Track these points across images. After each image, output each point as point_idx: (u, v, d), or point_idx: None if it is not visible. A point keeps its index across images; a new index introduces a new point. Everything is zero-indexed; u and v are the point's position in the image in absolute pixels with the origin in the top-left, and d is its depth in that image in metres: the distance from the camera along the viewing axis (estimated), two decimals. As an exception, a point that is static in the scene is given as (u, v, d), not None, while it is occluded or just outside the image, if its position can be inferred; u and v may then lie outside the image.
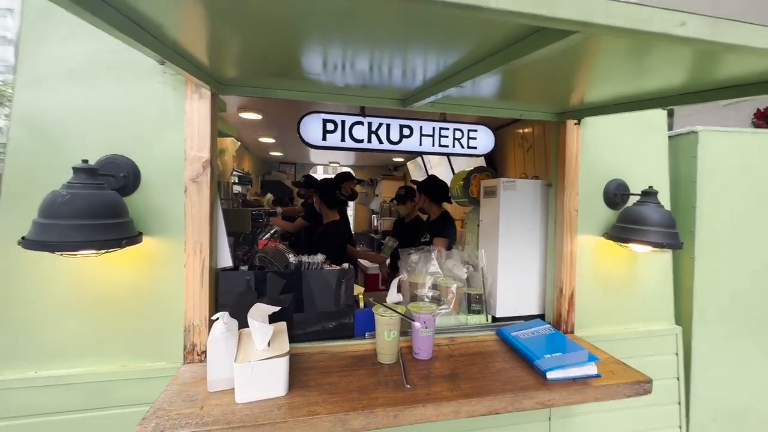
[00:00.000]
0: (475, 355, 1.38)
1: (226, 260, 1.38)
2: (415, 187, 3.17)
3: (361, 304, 1.58)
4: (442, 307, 1.58)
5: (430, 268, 1.68)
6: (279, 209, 4.53)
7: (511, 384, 1.18)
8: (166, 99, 1.25)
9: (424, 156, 5.06)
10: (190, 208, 1.24)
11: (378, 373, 1.22)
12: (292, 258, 1.45)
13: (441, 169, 4.25)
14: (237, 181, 4.40)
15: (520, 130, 3.04)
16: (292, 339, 1.39)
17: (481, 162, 3.22)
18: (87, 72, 1.21)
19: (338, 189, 2.91)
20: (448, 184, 2.75)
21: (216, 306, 1.34)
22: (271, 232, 3.86)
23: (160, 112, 1.25)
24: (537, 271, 1.74)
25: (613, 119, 1.67)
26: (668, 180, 1.80)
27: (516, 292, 1.71)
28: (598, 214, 1.69)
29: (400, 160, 6.12)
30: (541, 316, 1.72)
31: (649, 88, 1.12)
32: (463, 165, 4.14)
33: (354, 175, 4.16)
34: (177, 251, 1.25)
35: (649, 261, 1.76)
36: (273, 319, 1.20)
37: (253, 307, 1.14)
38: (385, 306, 1.31)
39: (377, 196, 6.90)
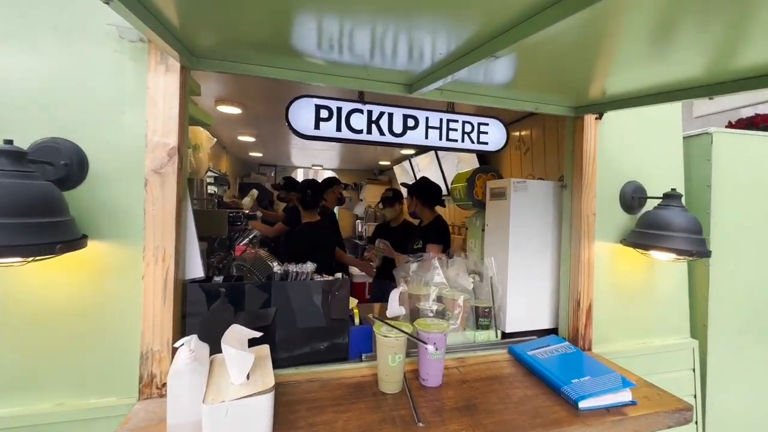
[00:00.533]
0: (491, 379, 1.19)
1: (196, 270, 1.15)
2: (404, 189, 3.00)
3: (356, 320, 1.37)
4: (450, 324, 1.39)
5: (434, 278, 1.49)
6: (258, 213, 4.25)
7: (540, 417, 0.99)
8: (123, 71, 1.02)
9: (411, 159, 4.91)
10: (151, 205, 1.01)
11: (381, 407, 1.02)
12: (276, 267, 1.23)
13: (430, 173, 4.10)
14: (213, 181, 4.11)
15: (517, 133, 2.92)
16: (276, 363, 1.16)
17: (474, 164, 3.08)
18: (23, 32, 0.96)
19: (321, 192, 2.69)
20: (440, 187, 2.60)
21: (183, 326, 1.10)
22: (250, 237, 3.58)
23: (115, 88, 1.01)
24: (549, 281, 1.58)
25: (628, 118, 1.55)
26: (684, 183, 1.70)
27: (527, 304, 1.55)
28: (615, 218, 1.55)
29: (386, 163, 5.95)
30: (554, 331, 1.56)
31: (672, 76, 1.01)
32: (453, 169, 4.01)
33: (340, 179, 3.94)
34: (133, 259, 1.01)
35: (664, 269, 1.64)
36: (253, 341, 0.98)
37: (228, 330, 0.91)
38: (389, 324, 1.11)
39: (362, 200, 6.70)
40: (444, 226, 2.47)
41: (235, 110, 2.67)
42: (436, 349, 1.11)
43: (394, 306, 1.48)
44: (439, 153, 3.98)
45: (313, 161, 6.19)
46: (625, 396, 1.08)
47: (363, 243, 5.59)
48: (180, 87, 1.03)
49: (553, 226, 1.57)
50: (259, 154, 5.20)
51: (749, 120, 3.98)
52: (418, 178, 2.94)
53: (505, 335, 1.52)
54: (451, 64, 0.99)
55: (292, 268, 1.25)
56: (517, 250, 1.52)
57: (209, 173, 3.95)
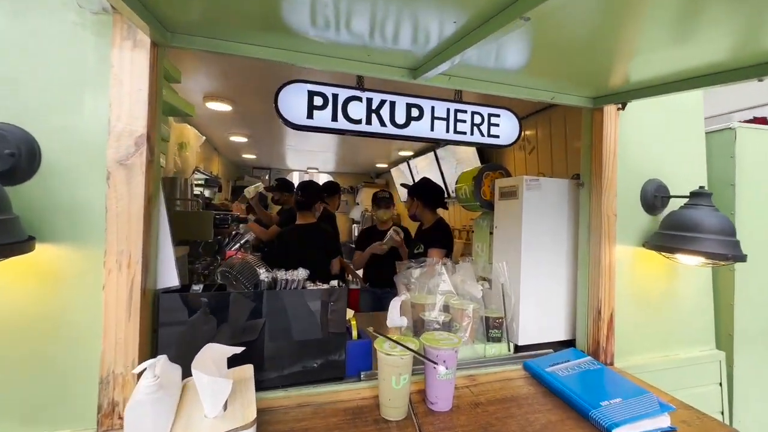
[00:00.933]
0: (507, 401, 1.05)
1: (170, 278, 1.00)
2: (404, 191, 2.84)
3: (354, 334, 1.23)
4: (460, 336, 1.25)
5: (440, 286, 1.35)
6: (249, 216, 4.09)
7: (570, 450, 0.85)
8: (84, 47, 0.87)
9: (410, 162, 4.79)
10: (114, 202, 0.86)
11: (384, 438, 0.87)
12: (263, 274, 1.08)
13: (429, 176, 3.97)
14: (204, 183, 3.95)
15: (522, 132, 2.81)
16: (263, 384, 1.02)
17: (473, 164, 2.96)
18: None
19: (317, 193, 2.54)
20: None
21: (154, 344, 0.95)
22: (242, 241, 3.41)
23: (74, 66, 0.87)
24: (566, 288, 1.45)
25: (646, 110, 1.43)
26: (707, 181, 1.58)
27: (542, 314, 1.41)
28: (635, 219, 1.43)
29: (383, 166, 5.83)
30: (571, 343, 1.43)
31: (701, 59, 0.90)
32: (452, 171, 3.88)
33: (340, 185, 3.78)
34: (93, 265, 0.86)
35: (688, 275, 1.51)
36: (235, 359, 0.84)
37: (202, 351, 0.76)
38: (392, 340, 0.96)
39: (358, 204, 6.56)
40: (446, 229, 2.33)
41: (225, 107, 2.53)
42: (447, 369, 0.96)
43: (395, 316, 1.34)
44: (439, 154, 3.85)
45: (309, 164, 6.05)
46: (663, 422, 0.94)
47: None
48: (151, 66, 0.89)
49: (569, 227, 1.44)
50: (253, 156, 5.05)
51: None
52: (417, 179, 2.79)
53: (518, 348, 1.38)
54: (463, 40, 0.86)
55: (282, 275, 1.10)
56: (530, 254, 1.39)
57: (199, 175, 3.80)
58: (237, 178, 5.82)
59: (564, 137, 2.34)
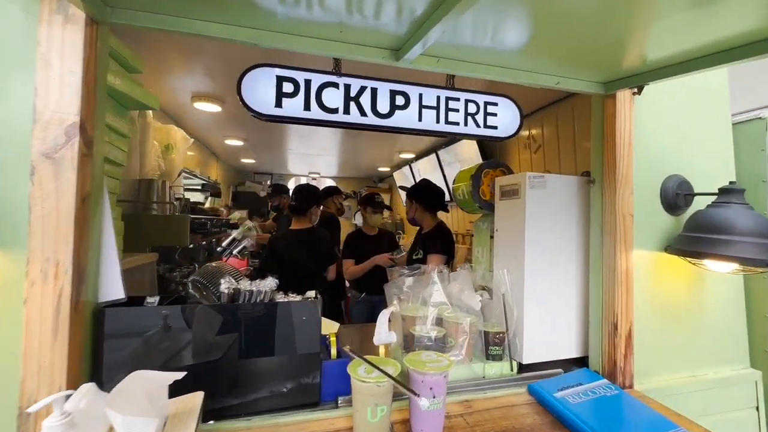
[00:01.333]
0: (508, 434, 0.89)
1: (115, 290, 0.87)
2: (404, 194, 2.70)
3: (333, 352, 1.08)
4: (453, 354, 1.10)
5: (432, 296, 1.20)
6: (250, 223, 3.99)
7: (584, 504, 0.69)
8: (6, 23, 0.76)
9: (412, 165, 4.65)
10: (40, 202, 0.74)
11: (356, 484, 0.72)
12: (224, 284, 0.95)
13: (431, 179, 3.83)
14: (201, 188, 3.86)
15: (526, 132, 2.66)
16: (223, 413, 0.88)
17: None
18: None
19: (312, 197, 2.41)
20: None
21: (94, 367, 0.82)
22: (239, 248, 3.28)
23: (-3, 46, 0.76)
24: (576, 299, 1.28)
25: (666, 96, 1.28)
26: (735, 177, 1.40)
27: (549, 328, 1.25)
28: (655, 220, 1.26)
29: (386, 169, 5.70)
30: (583, 361, 1.26)
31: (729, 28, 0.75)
32: (456, 174, 3.74)
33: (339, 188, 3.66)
34: (13, 276, 0.74)
35: (717, 283, 1.33)
36: (193, 384, 0.70)
37: (126, 380, 0.63)
38: (368, 362, 0.82)
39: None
40: (447, 233, 2.18)
41: (214, 108, 2.43)
42: (435, 397, 0.81)
43: (383, 332, 1.18)
44: (441, 157, 3.71)
45: (310, 169, 5.97)
46: (698, 464, 0.78)
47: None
48: (86, 45, 0.77)
49: (579, 230, 1.28)
50: (252, 161, 4.97)
51: None
52: (421, 179, 2.64)
53: (522, 367, 1.22)
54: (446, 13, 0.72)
55: (246, 285, 0.97)
56: (534, 260, 1.23)
57: (197, 180, 3.72)
58: (238, 183, 5.75)
59: (572, 136, 2.18)
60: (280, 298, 0.98)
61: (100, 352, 0.84)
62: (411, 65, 0.97)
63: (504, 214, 1.35)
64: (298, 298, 1.00)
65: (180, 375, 0.69)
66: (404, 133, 1.07)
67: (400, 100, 1.05)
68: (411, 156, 4.29)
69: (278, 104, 0.96)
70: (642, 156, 1.23)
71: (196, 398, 0.76)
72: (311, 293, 1.07)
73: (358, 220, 6.38)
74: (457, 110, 1.10)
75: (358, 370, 0.80)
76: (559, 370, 1.20)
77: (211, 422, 0.89)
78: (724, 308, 1.36)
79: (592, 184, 1.24)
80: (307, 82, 0.98)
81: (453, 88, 1.11)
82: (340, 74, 1.01)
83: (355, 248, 2.52)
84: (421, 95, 1.07)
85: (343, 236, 2.92)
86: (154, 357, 0.86)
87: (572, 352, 1.27)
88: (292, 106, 0.97)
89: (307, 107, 0.98)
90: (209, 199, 4.23)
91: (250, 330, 0.94)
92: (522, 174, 1.26)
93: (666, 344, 1.25)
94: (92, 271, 0.82)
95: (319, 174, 6.28)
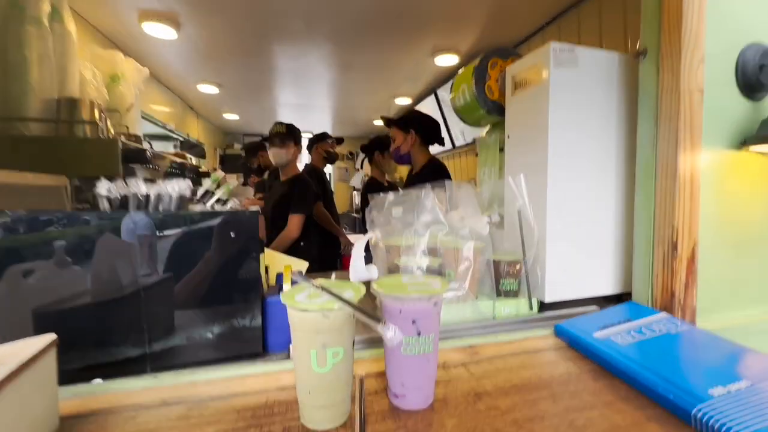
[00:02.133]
0: (532, 389, 0.60)
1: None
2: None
3: (286, 288, 0.80)
4: (452, 286, 0.81)
5: (423, 216, 0.89)
6: (232, 181, 3.68)
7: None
8: None
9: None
10: None
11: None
12: (102, 187, 0.64)
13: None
14: (179, 146, 3.53)
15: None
16: (124, 369, 0.60)
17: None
18: None
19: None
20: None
21: None
22: (212, 200, 3.00)
23: None
24: (614, 219, 0.97)
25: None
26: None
27: (579, 255, 0.95)
28: (728, 107, 0.92)
29: (382, 124, 5.31)
30: (621, 299, 0.97)
31: None
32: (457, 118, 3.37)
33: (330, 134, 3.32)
34: None
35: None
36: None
37: None
38: (314, 285, 0.51)
39: (358, 170, 6.09)
40: (442, 168, 1.86)
41: (168, 32, 2.05)
42: (419, 334, 0.52)
43: (360, 266, 0.88)
44: (441, 96, 3.32)
45: (303, 128, 5.58)
46: (843, 426, 0.48)
47: (360, 216, 5.02)
48: None
49: (621, 124, 0.95)
50: (236, 116, 4.58)
51: None
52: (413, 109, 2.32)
53: (543, 306, 0.93)
54: None
55: (148, 189, 0.66)
56: (560, 167, 0.91)
57: (175, 136, 3.37)
58: (225, 146, 5.39)
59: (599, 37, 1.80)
60: (198, 207, 0.68)
61: None
62: None
63: (518, 111, 1.01)
64: (225, 209, 0.70)
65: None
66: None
67: None
68: (408, 101, 3.89)
69: None
70: (712, 16, 0.87)
71: (35, 344, 0.47)
72: (254, 207, 0.78)
73: (355, 181, 6.06)
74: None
75: (296, 297, 0.50)
76: (594, 306, 0.91)
77: (99, 380, 0.61)
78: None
79: (642, 57, 0.90)
80: None
81: None
82: None
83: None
84: None
85: (336, 198, 2.73)
86: (58, 290, 0.58)
87: (609, 288, 0.98)
88: None
89: None
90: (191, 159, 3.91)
91: (166, 250, 0.64)
92: (543, 48, 0.91)
93: (735, 271, 0.95)
94: None
95: (311, 133, 5.90)
